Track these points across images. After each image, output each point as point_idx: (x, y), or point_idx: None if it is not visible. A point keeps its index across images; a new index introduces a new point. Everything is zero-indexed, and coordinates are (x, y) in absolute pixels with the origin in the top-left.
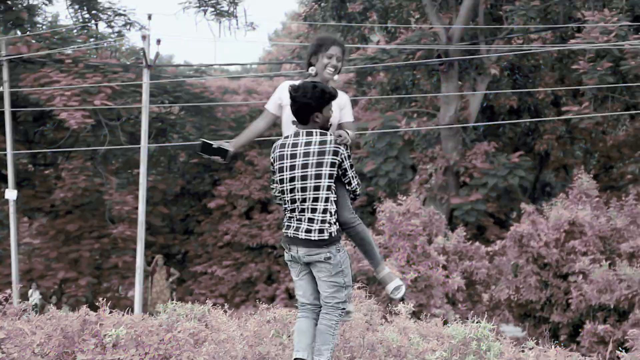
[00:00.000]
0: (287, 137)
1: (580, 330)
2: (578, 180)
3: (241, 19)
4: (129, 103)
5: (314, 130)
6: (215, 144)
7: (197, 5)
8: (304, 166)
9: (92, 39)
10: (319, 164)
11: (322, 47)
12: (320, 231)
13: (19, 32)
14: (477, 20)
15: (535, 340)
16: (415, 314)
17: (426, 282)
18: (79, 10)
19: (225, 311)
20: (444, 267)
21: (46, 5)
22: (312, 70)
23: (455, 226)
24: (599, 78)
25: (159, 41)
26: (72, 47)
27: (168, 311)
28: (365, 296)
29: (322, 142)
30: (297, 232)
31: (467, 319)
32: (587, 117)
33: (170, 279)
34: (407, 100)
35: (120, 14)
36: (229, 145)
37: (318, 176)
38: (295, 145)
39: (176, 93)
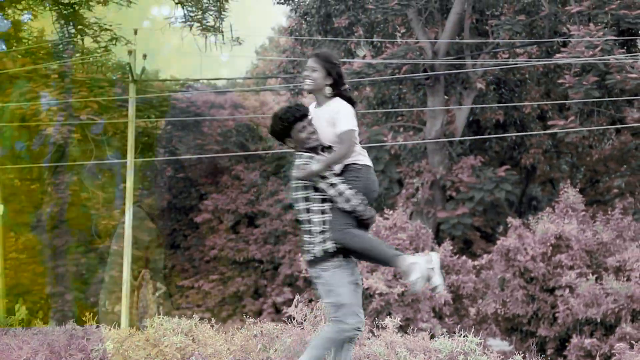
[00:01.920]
0: None
1: (567, 344)
2: (564, 194)
3: (227, 34)
4: (115, 118)
5: (299, 153)
6: None
7: (183, 20)
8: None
9: (78, 54)
10: (297, 188)
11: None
12: (308, 252)
13: (4, 47)
14: (463, 35)
15: (522, 355)
16: (402, 328)
17: (413, 296)
18: (65, 26)
19: (212, 325)
20: None
21: (32, 20)
22: None
23: (442, 240)
24: (585, 92)
25: (145, 56)
26: (58, 62)
27: (155, 326)
28: None
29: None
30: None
31: (454, 333)
32: (573, 131)
33: (157, 294)
34: (393, 115)
35: (106, 29)
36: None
37: (297, 200)
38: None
39: (162, 108)
